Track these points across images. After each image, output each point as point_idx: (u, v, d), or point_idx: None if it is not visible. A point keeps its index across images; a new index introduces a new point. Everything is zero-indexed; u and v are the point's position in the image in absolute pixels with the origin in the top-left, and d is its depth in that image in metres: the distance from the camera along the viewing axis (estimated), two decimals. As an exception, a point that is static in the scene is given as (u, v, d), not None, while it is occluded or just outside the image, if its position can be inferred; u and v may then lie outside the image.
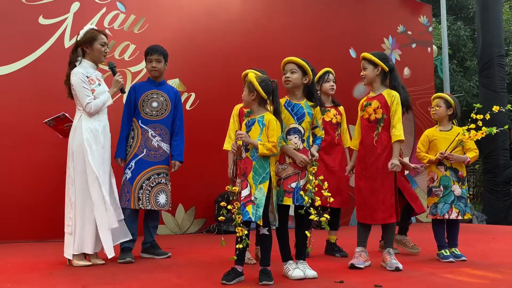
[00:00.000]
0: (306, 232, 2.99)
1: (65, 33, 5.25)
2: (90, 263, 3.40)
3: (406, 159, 4.27)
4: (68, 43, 5.21)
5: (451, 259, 3.60)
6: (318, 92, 3.92)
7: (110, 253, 3.37)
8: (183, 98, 5.74)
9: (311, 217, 2.91)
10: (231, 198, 2.89)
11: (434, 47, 8.98)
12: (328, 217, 2.96)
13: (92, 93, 3.50)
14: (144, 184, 3.73)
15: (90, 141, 3.43)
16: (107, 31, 4.91)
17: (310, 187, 2.95)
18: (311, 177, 2.98)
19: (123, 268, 3.32)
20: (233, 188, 2.88)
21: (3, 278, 2.93)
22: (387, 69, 3.46)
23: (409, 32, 8.06)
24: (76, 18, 5.31)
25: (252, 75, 2.97)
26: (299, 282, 2.83)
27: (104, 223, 3.38)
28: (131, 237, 3.63)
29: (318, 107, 3.14)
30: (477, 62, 10.18)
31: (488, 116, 3.66)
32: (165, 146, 3.87)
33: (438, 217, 3.70)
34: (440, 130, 3.88)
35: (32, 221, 4.83)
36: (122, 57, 5.57)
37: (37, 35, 5.12)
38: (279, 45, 6.36)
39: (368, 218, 3.40)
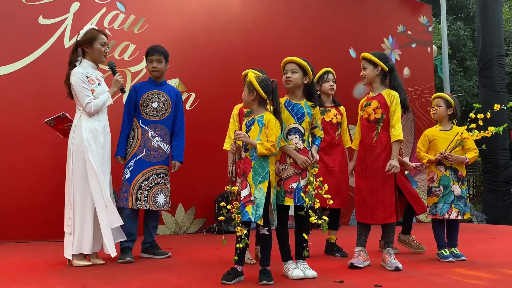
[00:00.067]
0: (304, 235, 2.99)
1: (65, 33, 5.26)
2: (90, 263, 3.40)
3: (406, 159, 4.27)
4: (68, 43, 5.21)
5: (451, 259, 3.60)
6: (318, 92, 3.92)
7: (113, 252, 3.36)
8: (183, 98, 5.74)
9: (312, 219, 2.91)
10: (230, 198, 2.89)
11: (434, 47, 8.98)
12: (327, 219, 2.96)
13: (92, 93, 3.50)
14: (142, 184, 3.73)
15: (89, 141, 3.42)
16: (107, 31, 4.91)
17: (311, 189, 2.96)
18: (311, 179, 2.98)
19: (123, 268, 3.32)
20: (232, 188, 2.88)
21: (3, 278, 2.93)
22: (387, 69, 3.46)
23: (409, 32, 8.06)
24: (76, 18, 5.31)
25: (251, 75, 2.97)
26: (299, 282, 2.83)
27: (105, 222, 3.38)
28: (125, 238, 3.62)
29: (318, 107, 3.14)
30: (477, 62, 10.18)
31: (489, 115, 3.66)
32: (165, 147, 3.87)
33: (438, 217, 3.70)
34: (440, 130, 3.88)
35: (32, 221, 4.83)
36: (122, 57, 5.57)
37: (37, 35, 5.13)
38: (279, 45, 6.36)
39: (368, 218, 3.40)
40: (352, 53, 7.32)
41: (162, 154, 3.85)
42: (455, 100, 3.90)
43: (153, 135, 3.82)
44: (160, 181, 3.81)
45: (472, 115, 3.71)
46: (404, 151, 4.65)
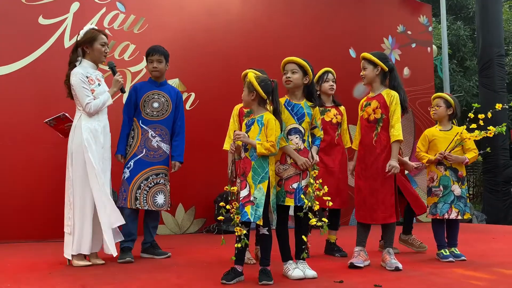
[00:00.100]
0: (303, 237, 2.99)
1: (65, 33, 5.26)
2: (89, 263, 3.40)
3: (406, 159, 4.28)
4: (68, 43, 5.22)
5: (450, 259, 3.60)
6: (318, 92, 3.92)
7: (114, 251, 3.36)
8: (183, 98, 5.74)
9: (311, 221, 2.91)
10: (229, 198, 2.89)
11: (434, 47, 8.98)
12: (326, 220, 2.96)
13: (92, 93, 3.50)
14: (142, 184, 3.73)
15: (89, 141, 3.42)
16: (107, 31, 4.91)
17: (311, 191, 2.96)
18: (311, 181, 2.98)
19: (123, 268, 3.32)
20: (232, 188, 2.88)
21: (3, 278, 2.93)
22: (387, 69, 3.46)
23: (409, 32, 8.06)
24: (76, 18, 5.31)
25: (251, 75, 2.97)
26: (299, 282, 2.83)
27: (106, 221, 3.38)
28: (123, 238, 3.62)
29: (317, 108, 3.14)
30: (477, 62, 10.18)
31: (490, 115, 3.66)
32: (165, 147, 3.87)
33: (438, 217, 3.70)
34: (440, 130, 3.88)
35: (32, 221, 4.84)
36: (122, 57, 5.57)
37: (37, 35, 5.13)
38: (279, 45, 6.37)
39: (368, 218, 3.40)
40: (352, 53, 7.32)
41: (162, 154, 3.85)
42: (455, 100, 3.90)
43: (153, 135, 3.82)
44: (159, 181, 3.81)
45: (471, 115, 3.71)
46: (404, 151, 4.65)
